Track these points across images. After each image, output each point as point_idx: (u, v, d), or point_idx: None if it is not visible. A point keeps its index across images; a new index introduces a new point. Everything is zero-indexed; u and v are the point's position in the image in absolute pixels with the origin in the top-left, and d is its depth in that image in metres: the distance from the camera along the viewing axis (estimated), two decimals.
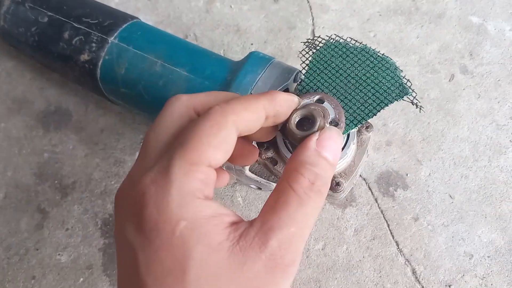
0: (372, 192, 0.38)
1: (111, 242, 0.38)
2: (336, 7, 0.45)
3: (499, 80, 0.42)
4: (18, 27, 0.40)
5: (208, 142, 0.20)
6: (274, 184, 0.33)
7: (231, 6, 0.46)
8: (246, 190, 0.39)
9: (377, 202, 0.38)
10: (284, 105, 0.23)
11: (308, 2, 0.46)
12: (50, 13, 0.39)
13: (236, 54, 0.44)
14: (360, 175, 0.38)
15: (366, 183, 0.38)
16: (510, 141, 0.39)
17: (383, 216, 0.37)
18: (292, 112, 0.24)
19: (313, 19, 0.45)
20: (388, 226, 0.37)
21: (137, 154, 0.40)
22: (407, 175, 0.38)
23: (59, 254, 0.38)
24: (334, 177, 0.30)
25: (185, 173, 0.19)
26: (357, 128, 0.29)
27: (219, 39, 0.45)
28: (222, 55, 0.43)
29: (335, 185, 0.29)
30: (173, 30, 0.45)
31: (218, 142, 0.20)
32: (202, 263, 0.19)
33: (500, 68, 0.42)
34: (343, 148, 0.29)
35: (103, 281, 0.37)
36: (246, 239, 0.19)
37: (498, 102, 0.41)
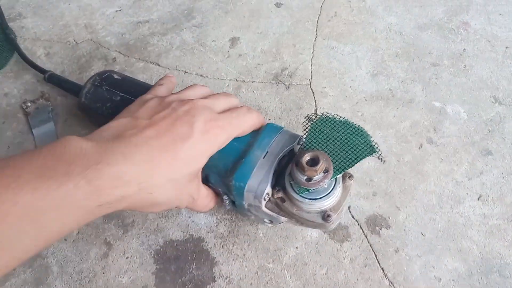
0: (363, 231, 0.50)
1: (162, 267, 0.49)
2: (333, 93, 0.60)
3: (456, 149, 0.55)
4: (96, 103, 0.52)
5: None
6: (283, 218, 0.43)
7: (253, 92, 0.61)
8: (267, 228, 0.50)
9: (367, 238, 0.49)
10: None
11: (312, 89, 0.61)
12: (121, 94, 0.51)
13: None
14: (353, 217, 0.50)
15: (358, 224, 0.50)
16: (467, 193, 0.52)
17: (372, 248, 0.49)
18: (303, 153, 0.37)
19: (315, 102, 0.60)
20: (376, 256, 0.48)
21: None
22: (389, 218, 0.50)
23: (120, 277, 0.48)
24: (325, 211, 0.40)
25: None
26: (341, 174, 0.41)
27: None
28: None
29: (326, 217, 0.40)
30: None
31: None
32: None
33: (457, 139, 0.56)
34: (332, 190, 0.40)
35: None
36: None
37: (457, 164, 0.54)
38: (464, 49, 0.64)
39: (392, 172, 0.54)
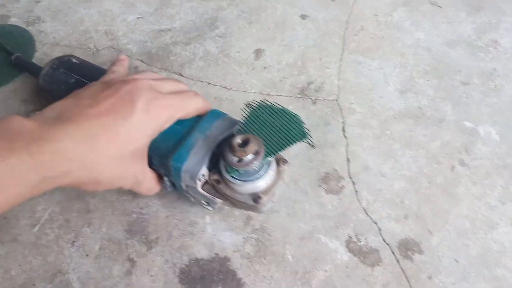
0: (395, 255, 0.48)
1: (187, 287, 0.47)
2: (360, 110, 0.59)
3: (489, 172, 0.54)
4: (52, 85, 0.54)
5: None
6: (219, 200, 0.45)
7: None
8: (295, 249, 0.49)
9: (399, 263, 0.48)
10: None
11: (339, 105, 0.59)
12: (76, 76, 0.53)
13: None
14: (385, 241, 0.49)
15: (390, 248, 0.49)
16: (500, 219, 0.50)
17: (404, 274, 0.47)
18: (236, 135, 0.39)
19: (343, 118, 0.58)
20: (409, 282, 0.47)
21: (207, 217, 0.51)
22: (421, 242, 0.49)
23: None
24: (257, 193, 0.41)
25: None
26: (274, 158, 0.43)
27: None
28: None
29: (257, 198, 0.41)
30: None
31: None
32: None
33: (489, 162, 0.54)
34: (263, 173, 0.41)
35: None
36: None
37: (489, 188, 0.53)
38: (495, 68, 0.63)
39: (423, 194, 0.52)
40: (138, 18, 0.71)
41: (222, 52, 0.66)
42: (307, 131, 0.42)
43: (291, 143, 0.41)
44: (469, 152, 0.55)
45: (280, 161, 0.43)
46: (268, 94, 0.61)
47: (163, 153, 0.44)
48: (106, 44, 0.68)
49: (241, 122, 0.44)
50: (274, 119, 0.43)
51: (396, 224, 0.50)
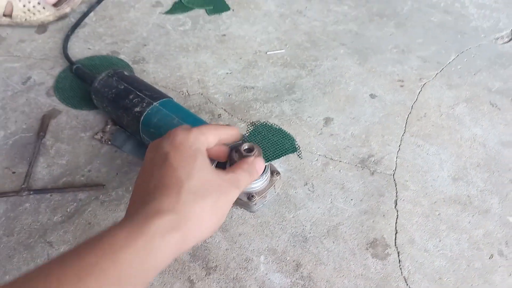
0: None
1: None
2: (414, 188, 0.65)
3: None
4: (105, 88, 0.67)
5: (209, 132, 0.44)
6: None
7: (340, 171, 0.67)
8: None
9: None
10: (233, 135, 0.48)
11: (394, 180, 0.66)
12: (126, 84, 0.67)
13: (341, 204, 0.63)
14: None
15: None
16: None
17: None
18: (242, 143, 0.48)
19: (396, 193, 0.64)
20: None
21: (262, 257, 0.57)
22: None
23: None
24: (250, 193, 0.50)
25: (199, 132, 0.43)
26: (270, 163, 0.51)
27: (329, 192, 0.64)
28: (330, 203, 0.63)
29: (250, 196, 0.50)
30: (297, 177, 0.66)
31: (214, 135, 0.44)
32: (202, 161, 0.41)
33: None
34: (259, 178, 0.49)
35: None
36: (221, 170, 0.43)
37: None
38: None
39: (461, 275, 0.57)
40: (227, 73, 0.82)
41: (296, 114, 0.75)
42: (298, 146, 0.53)
43: (285, 153, 0.52)
44: (509, 245, 0.59)
45: (274, 173, 0.53)
46: (331, 159, 0.68)
47: None
48: (197, 91, 0.78)
49: (246, 135, 0.55)
50: (272, 135, 0.54)
51: None
